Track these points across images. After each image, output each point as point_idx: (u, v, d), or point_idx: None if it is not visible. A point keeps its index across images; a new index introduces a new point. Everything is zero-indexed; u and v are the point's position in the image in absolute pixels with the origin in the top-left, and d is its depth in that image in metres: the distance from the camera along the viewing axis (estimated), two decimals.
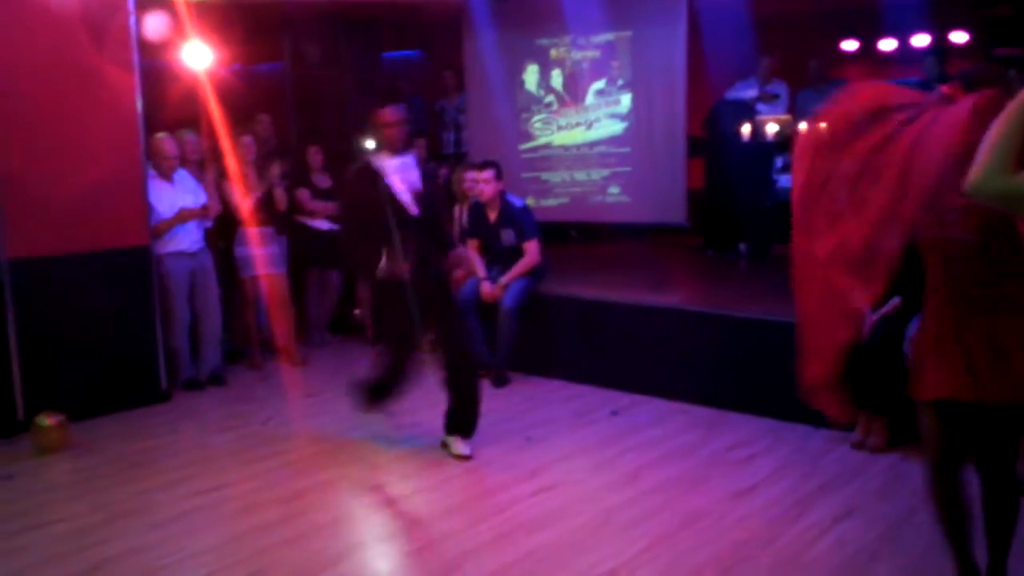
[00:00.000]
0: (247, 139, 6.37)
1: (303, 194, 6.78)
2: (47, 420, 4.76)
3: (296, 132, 8.87)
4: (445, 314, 4.51)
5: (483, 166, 6.13)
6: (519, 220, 6.02)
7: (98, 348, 5.33)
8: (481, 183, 6.05)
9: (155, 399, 5.58)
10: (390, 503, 4.09)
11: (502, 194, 6.07)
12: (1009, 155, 1.80)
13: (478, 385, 4.56)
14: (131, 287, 5.49)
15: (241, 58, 8.59)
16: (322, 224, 6.83)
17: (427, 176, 4.58)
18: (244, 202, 6.16)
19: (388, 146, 4.42)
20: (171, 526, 3.77)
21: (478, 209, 6.18)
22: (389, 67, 9.79)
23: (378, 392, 4.69)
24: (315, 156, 6.92)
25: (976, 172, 1.84)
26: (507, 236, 6.02)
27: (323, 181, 6.89)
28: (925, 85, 6.73)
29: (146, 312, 5.57)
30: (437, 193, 4.91)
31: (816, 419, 4.71)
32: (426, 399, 4.79)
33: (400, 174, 4.40)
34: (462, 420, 4.52)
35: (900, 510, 3.73)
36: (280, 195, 6.38)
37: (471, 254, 6.07)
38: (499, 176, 6.04)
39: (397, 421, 4.97)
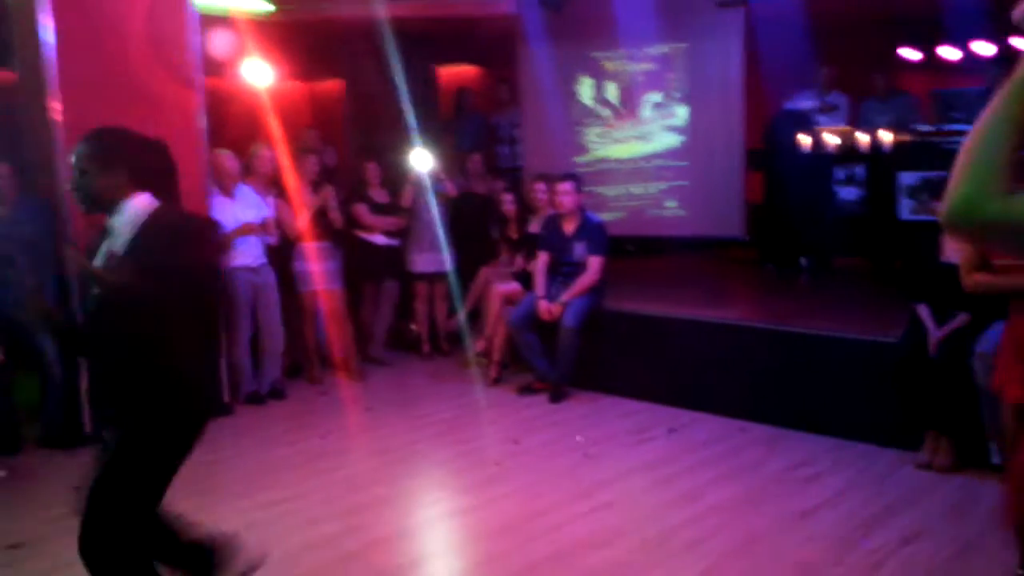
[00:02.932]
0: (312, 158, 6.49)
1: (361, 209, 6.85)
2: None
3: (353, 148, 8.98)
4: None
5: (562, 178, 6.17)
6: (594, 235, 6.03)
7: None
8: (560, 195, 6.06)
9: (217, 413, 5.66)
10: (447, 518, 4.10)
11: (582, 208, 6.10)
12: (1000, 168, 1.18)
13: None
14: None
15: (300, 75, 8.74)
16: (379, 239, 6.91)
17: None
18: (299, 219, 6.25)
19: None
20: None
21: (553, 221, 6.19)
22: (446, 82, 9.88)
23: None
24: (372, 172, 6.99)
25: (955, 196, 1.19)
26: (580, 250, 6.02)
27: (380, 196, 6.96)
28: (987, 95, 6.54)
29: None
30: None
31: (881, 438, 4.65)
32: (485, 415, 4.78)
33: None
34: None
35: (969, 533, 3.61)
36: (335, 215, 6.46)
37: (537, 270, 6.08)
38: (579, 188, 6.09)
39: (454, 436, 4.99)
